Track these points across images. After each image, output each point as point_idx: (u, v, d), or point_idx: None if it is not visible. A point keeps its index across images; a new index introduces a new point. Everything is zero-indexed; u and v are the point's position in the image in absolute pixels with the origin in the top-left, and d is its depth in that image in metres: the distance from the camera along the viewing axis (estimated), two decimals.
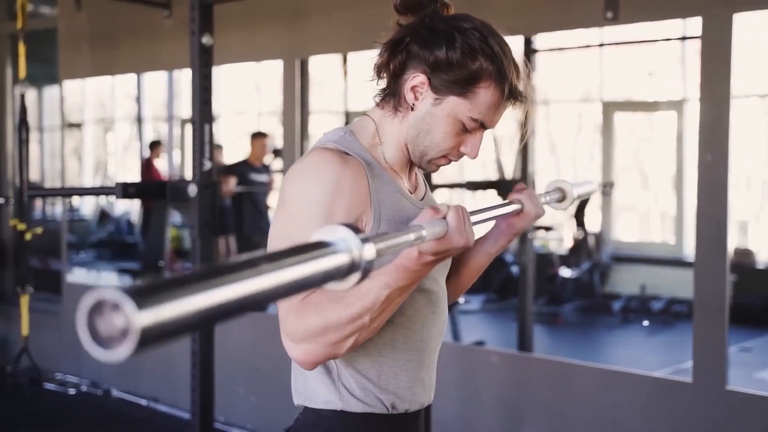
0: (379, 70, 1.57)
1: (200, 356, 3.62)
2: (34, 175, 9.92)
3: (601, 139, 8.73)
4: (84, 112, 11.51)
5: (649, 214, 9.27)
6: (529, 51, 4.85)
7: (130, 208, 10.52)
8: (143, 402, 5.44)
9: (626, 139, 9.04)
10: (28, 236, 4.27)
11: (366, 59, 1.61)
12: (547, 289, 7.89)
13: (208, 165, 3.61)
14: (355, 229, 0.97)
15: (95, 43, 5.68)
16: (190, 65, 3.59)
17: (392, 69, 1.55)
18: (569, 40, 6.53)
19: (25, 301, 4.28)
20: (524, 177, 4.92)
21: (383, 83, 1.59)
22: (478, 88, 1.50)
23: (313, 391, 1.58)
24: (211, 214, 3.55)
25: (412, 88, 1.53)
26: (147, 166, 8.29)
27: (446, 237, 1.34)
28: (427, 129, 1.54)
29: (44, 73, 8.80)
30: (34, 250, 7.46)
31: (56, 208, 10.06)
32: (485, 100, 1.51)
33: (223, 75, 10.27)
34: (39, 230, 4.42)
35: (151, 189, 3.78)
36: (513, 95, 1.53)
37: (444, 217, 1.34)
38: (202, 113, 3.62)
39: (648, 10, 3.67)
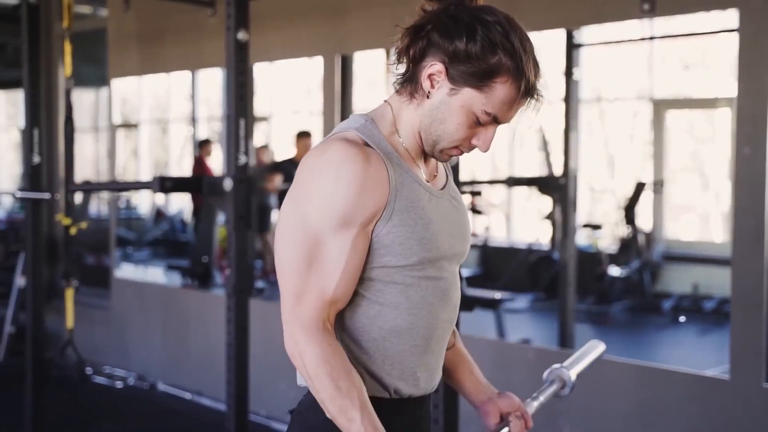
0: (399, 54, 1.57)
1: (235, 349, 3.66)
2: (90, 174, 10.10)
3: (652, 137, 8.60)
4: (141, 111, 11.71)
5: (704, 212, 9.11)
6: (571, 46, 4.82)
7: (184, 207, 10.67)
8: (187, 396, 5.52)
9: (680, 137, 8.89)
10: (73, 231, 4.37)
11: None
12: (596, 288, 7.80)
13: (243, 159, 3.65)
14: None
15: (143, 43, 5.79)
16: (225, 61, 3.63)
17: (412, 54, 1.55)
18: (617, 34, 6.46)
19: (70, 294, 4.38)
20: (566, 173, 4.88)
21: (402, 68, 1.59)
22: (495, 83, 1.51)
23: None
24: (246, 209, 3.59)
25: (429, 76, 1.53)
26: (198, 164, 8.40)
27: None
28: (441, 118, 1.55)
29: (101, 74, 8.98)
30: (89, 247, 7.63)
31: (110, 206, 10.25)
32: (501, 95, 1.51)
33: (278, 73, 10.37)
34: (84, 225, 4.54)
35: (187, 183, 3.84)
36: (529, 93, 1.53)
37: None
38: (238, 108, 3.66)
39: (684, 2, 3.62)
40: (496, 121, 1.55)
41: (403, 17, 1.57)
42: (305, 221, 1.49)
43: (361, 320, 1.55)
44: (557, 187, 4.90)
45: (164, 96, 11.97)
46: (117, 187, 5.53)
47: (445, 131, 1.55)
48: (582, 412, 3.96)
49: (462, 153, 1.60)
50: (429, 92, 1.55)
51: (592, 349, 1.96)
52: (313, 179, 1.49)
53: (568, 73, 4.80)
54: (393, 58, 1.60)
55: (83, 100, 8.81)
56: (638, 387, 3.78)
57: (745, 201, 3.41)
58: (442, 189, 1.66)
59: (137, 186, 4.79)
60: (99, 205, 10.16)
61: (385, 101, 1.63)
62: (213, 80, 11.16)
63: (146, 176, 11.90)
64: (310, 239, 1.48)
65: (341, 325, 1.56)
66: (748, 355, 3.41)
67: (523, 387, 4.01)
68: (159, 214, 11.32)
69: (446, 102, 1.54)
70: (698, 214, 9.14)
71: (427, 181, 1.62)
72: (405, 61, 1.57)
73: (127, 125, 12.01)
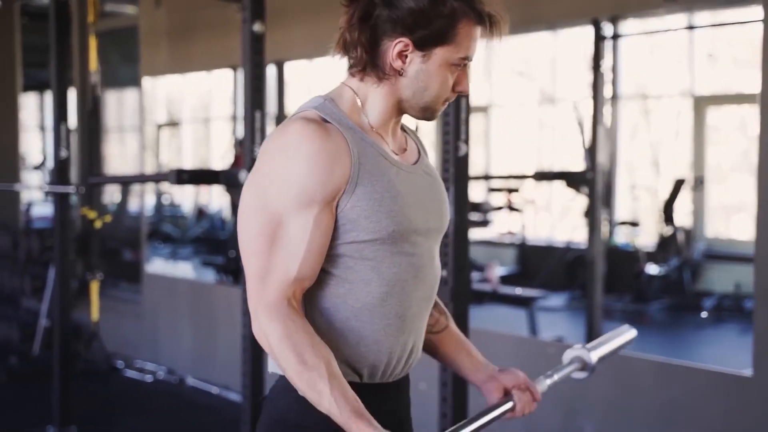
0: (348, 48, 1.56)
1: (250, 340, 3.67)
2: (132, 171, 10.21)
3: (692, 134, 8.45)
4: (183, 110, 11.82)
5: (747, 210, 8.90)
6: (599, 38, 4.74)
7: (224, 205, 10.75)
8: (215, 390, 5.54)
9: (727, 134, 8.71)
10: (98, 224, 4.42)
11: None
12: (633, 286, 7.68)
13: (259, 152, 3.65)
14: None
15: (174, 40, 5.82)
16: (241, 54, 3.64)
17: (366, 43, 1.54)
18: (654, 27, 6.35)
19: (95, 287, 4.42)
20: (594, 168, 4.81)
21: (355, 59, 1.57)
22: (458, 30, 1.52)
23: None
24: None
25: (399, 55, 1.53)
26: (237, 161, 8.44)
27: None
28: (422, 86, 1.55)
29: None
30: (127, 242, 7.71)
31: (150, 201, 10.36)
32: (467, 36, 1.53)
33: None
34: (108, 218, 4.57)
35: (204, 175, 3.86)
36: (489, 18, 1.55)
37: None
38: (254, 101, 3.66)
39: None
40: (468, 59, 1.56)
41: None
42: (266, 202, 1.47)
43: (332, 299, 1.53)
44: (585, 182, 4.83)
45: (207, 94, 12.06)
46: (136, 179, 5.57)
47: (431, 95, 1.56)
48: (604, 408, 3.89)
49: (448, 103, 1.61)
50: (402, 70, 1.53)
51: (620, 334, 1.89)
52: (272, 160, 1.47)
53: (596, 67, 4.72)
54: (338, 52, 1.58)
55: (126, 99, 8.89)
56: (661, 384, 3.70)
57: None
58: (414, 164, 1.63)
59: (155, 178, 4.81)
60: (139, 202, 10.30)
61: (342, 83, 1.61)
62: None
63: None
64: (272, 220, 1.46)
65: (311, 306, 1.53)
66: None
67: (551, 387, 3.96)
68: (200, 213, 11.43)
69: (423, 70, 1.54)
70: (745, 212, 8.95)
71: (396, 154, 1.60)
72: (357, 52, 1.55)
73: (172, 124, 12.13)
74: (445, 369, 2.88)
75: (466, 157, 2.93)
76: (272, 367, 1.60)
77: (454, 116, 2.90)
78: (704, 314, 7.35)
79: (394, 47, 1.52)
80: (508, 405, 1.68)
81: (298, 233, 1.46)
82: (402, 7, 1.51)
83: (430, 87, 1.54)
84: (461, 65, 1.55)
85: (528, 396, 1.71)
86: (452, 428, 1.53)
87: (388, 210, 1.51)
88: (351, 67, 1.59)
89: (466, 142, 2.93)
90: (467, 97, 2.91)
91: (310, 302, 1.53)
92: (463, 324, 2.96)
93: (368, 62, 1.55)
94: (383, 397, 1.60)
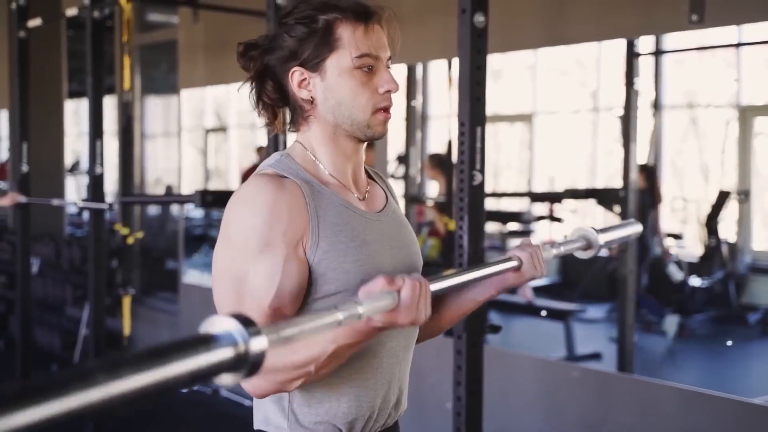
0: (262, 106, 1.61)
1: None
2: (173, 180, 10.36)
3: (737, 145, 8.30)
4: (229, 116, 11.93)
5: None
6: (632, 55, 4.68)
7: None
8: (248, 402, 5.59)
9: None
10: (130, 240, 4.49)
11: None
12: (675, 299, 7.57)
13: None
14: (245, 320, 0.94)
15: (210, 53, 5.89)
16: None
17: (272, 95, 1.58)
18: (695, 41, 6.25)
19: (127, 302, 4.50)
20: (626, 186, 4.75)
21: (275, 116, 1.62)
22: (337, 35, 1.53)
23: (266, 415, 1.59)
24: None
25: (299, 85, 1.55)
26: (251, 173, 8.52)
27: (395, 311, 1.31)
28: (335, 103, 1.55)
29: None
30: (168, 251, 7.82)
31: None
32: (350, 36, 1.53)
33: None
34: (140, 235, 4.63)
35: (228, 197, 3.89)
36: (366, 13, 1.55)
37: (398, 290, 1.32)
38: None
39: (734, 12, 3.48)
40: (374, 58, 1.54)
41: None
42: (232, 259, 1.49)
43: None
44: (617, 200, 4.77)
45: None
46: (162, 200, 5.65)
47: (348, 107, 1.55)
48: None
49: (387, 111, 1.57)
50: (312, 97, 1.55)
51: (628, 225, 1.89)
52: (233, 218, 1.50)
53: (629, 83, 4.66)
54: (260, 115, 1.62)
55: (174, 106, 9.02)
56: (686, 412, 3.64)
57: None
58: (380, 211, 1.64)
59: (181, 200, 4.88)
60: (180, 209, 10.45)
61: (294, 141, 1.63)
62: None
63: (234, 179, 12.14)
64: (237, 275, 1.47)
65: None
66: None
67: (566, 406, 3.94)
68: None
69: (326, 87, 1.55)
70: None
71: (361, 203, 1.60)
72: (270, 107, 1.60)
73: (221, 129, 12.26)
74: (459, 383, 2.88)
75: (481, 186, 2.92)
76: (256, 423, 1.62)
77: (470, 145, 2.89)
78: (729, 343, 7.19)
79: (292, 80, 1.55)
80: (513, 263, 1.61)
81: (264, 276, 1.45)
82: (283, 45, 1.55)
83: (341, 100, 1.54)
84: (367, 67, 1.54)
85: (533, 258, 1.62)
86: (452, 270, 1.50)
87: (354, 260, 1.51)
88: (290, 125, 1.63)
89: (482, 171, 2.91)
90: (482, 125, 2.90)
91: None
92: (477, 353, 2.95)
93: (291, 109, 1.60)
94: None
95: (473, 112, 2.88)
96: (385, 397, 1.60)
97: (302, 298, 1.50)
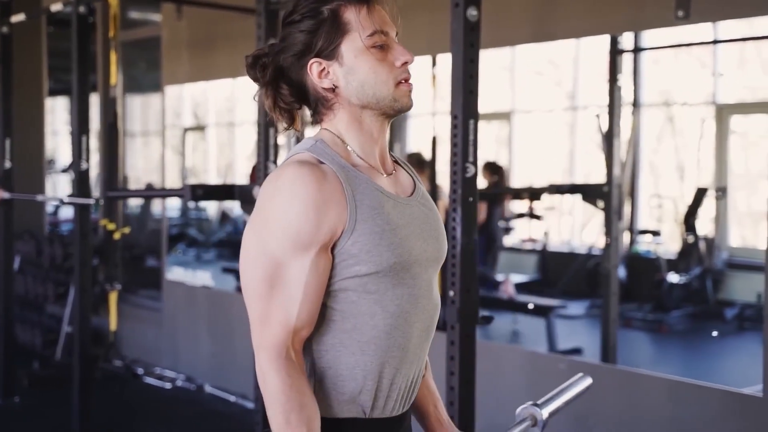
0: (280, 111, 1.63)
1: None
2: (157, 177, 10.33)
3: (714, 143, 8.39)
4: (208, 115, 11.89)
5: None
6: (615, 52, 4.74)
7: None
8: (232, 398, 5.60)
9: (752, 142, 8.64)
10: (117, 235, 4.48)
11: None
12: (654, 295, 7.64)
13: (272, 168, 3.70)
14: None
15: (194, 50, 5.89)
16: None
17: (288, 99, 1.62)
18: (672, 39, 6.33)
19: (113, 297, 4.49)
20: (610, 181, 4.80)
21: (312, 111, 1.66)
22: (345, 19, 1.57)
23: None
24: None
25: (320, 75, 1.59)
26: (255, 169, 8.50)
27: None
28: (359, 83, 1.59)
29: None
30: (150, 248, 7.79)
31: (176, 204, 10.43)
32: (357, 18, 1.58)
33: None
34: (127, 230, 4.63)
35: (219, 191, 3.91)
36: None
37: None
38: (267, 117, 3.72)
39: (720, 8, 3.53)
40: (384, 35, 1.59)
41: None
42: (265, 247, 1.51)
43: (338, 335, 1.56)
44: (601, 195, 4.82)
45: (231, 99, 12.14)
46: (151, 194, 5.64)
47: (371, 84, 1.59)
48: (613, 426, 3.89)
49: (408, 82, 1.62)
50: (334, 85, 1.59)
51: (574, 385, 1.92)
52: (270, 204, 1.52)
53: (613, 80, 4.72)
54: (276, 119, 1.65)
55: (152, 104, 8.99)
56: (671, 402, 3.70)
57: None
58: (409, 196, 1.67)
59: (171, 194, 4.89)
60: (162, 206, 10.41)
61: (320, 131, 1.65)
62: None
63: (213, 177, 12.10)
64: (271, 264, 1.51)
65: (318, 343, 1.57)
66: None
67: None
68: (224, 216, 11.49)
69: (346, 71, 1.59)
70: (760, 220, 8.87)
71: (391, 188, 1.63)
72: (287, 110, 1.63)
73: (198, 128, 12.22)
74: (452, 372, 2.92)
75: (474, 178, 2.96)
76: None
77: (463, 138, 2.92)
78: (715, 333, 7.29)
79: (312, 73, 1.59)
80: None
81: (295, 277, 1.50)
82: (295, 42, 1.58)
83: (363, 80, 1.58)
84: (379, 45, 1.59)
85: None
86: None
87: (388, 243, 1.54)
88: (312, 119, 1.66)
89: (474, 163, 2.95)
90: (475, 118, 2.94)
91: (317, 340, 1.57)
92: (470, 344, 2.99)
93: (313, 104, 1.63)
94: (390, 431, 1.63)
95: (466, 105, 2.92)
96: (407, 377, 1.63)
97: (323, 295, 1.54)
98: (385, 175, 1.64)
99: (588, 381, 1.96)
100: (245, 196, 3.70)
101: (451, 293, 2.93)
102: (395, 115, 1.63)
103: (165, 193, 5.02)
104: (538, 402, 1.83)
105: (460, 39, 2.88)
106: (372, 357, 1.56)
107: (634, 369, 4.06)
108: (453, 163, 2.95)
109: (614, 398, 3.91)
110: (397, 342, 1.58)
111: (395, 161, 1.72)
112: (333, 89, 1.59)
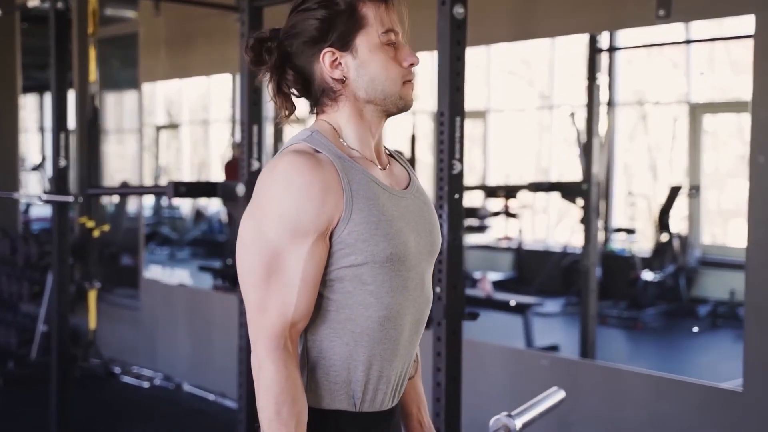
0: (281, 96, 1.63)
1: (246, 352, 3.71)
2: (131, 174, 10.27)
3: (688, 141, 8.48)
4: (182, 113, 11.84)
5: (743, 216, 8.94)
6: (594, 51, 4.78)
7: (222, 208, 10.77)
8: (211, 397, 5.58)
9: (723, 141, 8.74)
10: (96, 233, 4.45)
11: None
12: (628, 293, 7.71)
13: (256, 165, 3.69)
14: None
15: (172, 47, 5.86)
16: (240, 67, 3.69)
17: (292, 84, 1.62)
18: (649, 38, 6.39)
19: (92, 295, 4.46)
20: (589, 179, 4.85)
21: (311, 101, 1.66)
22: (362, 12, 1.59)
23: None
24: None
25: (332, 65, 1.59)
26: (231, 166, 8.45)
27: None
28: (369, 78, 1.60)
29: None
30: (125, 247, 7.74)
31: (148, 203, 10.36)
32: (374, 13, 1.60)
33: None
34: (106, 228, 4.60)
35: (202, 188, 3.90)
36: None
37: None
38: (251, 114, 3.71)
39: (700, 8, 3.57)
40: (396, 34, 1.62)
41: None
42: (262, 236, 1.51)
43: (333, 326, 1.57)
44: (580, 193, 4.87)
45: (205, 98, 12.09)
46: (134, 191, 5.61)
47: (381, 81, 1.61)
48: (594, 421, 3.93)
49: (411, 82, 1.64)
50: (344, 77, 1.60)
51: (548, 398, 1.95)
52: (267, 193, 1.52)
53: (592, 78, 4.76)
54: (276, 103, 1.65)
55: (125, 101, 8.93)
56: (651, 398, 3.74)
57: (760, 210, 3.37)
58: (404, 189, 1.68)
59: (153, 191, 4.86)
60: (137, 205, 10.33)
61: (316, 122, 1.66)
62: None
63: (187, 175, 12.04)
64: (268, 252, 1.51)
65: (313, 334, 1.57)
66: (762, 367, 3.36)
67: (536, 394, 4.00)
68: (198, 215, 11.45)
69: (359, 65, 1.60)
70: (741, 217, 8.96)
71: (386, 181, 1.64)
72: (289, 96, 1.63)
73: (172, 126, 12.16)
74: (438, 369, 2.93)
75: (460, 175, 2.97)
76: None
77: (449, 134, 2.94)
78: (695, 329, 7.37)
79: (324, 62, 1.59)
80: None
81: (293, 266, 1.51)
82: (306, 28, 1.59)
83: (374, 75, 1.60)
84: (390, 42, 1.60)
85: None
86: None
87: (384, 233, 1.55)
88: (311, 108, 1.66)
89: (461, 160, 2.97)
90: (462, 115, 2.95)
91: (311, 329, 1.57)
92: (456, 340, 3.00)
93: (317, 93, 1.62)
94: (378, 426, 1.63)
95: (453, 103, 2.93)
96: (397, 370, 1.63)
97: (319, 283, 1.54)
98: (380, 168, 1.65)
99: (561, 394, 1.98)
100: (228, 193, 3.69)
101: (438, 289, 2.94)
102: (396, 113, 1.65)
103: (147, 191, 4.98)
104: (512, 413, 1.85)
105: (447, 37, 2.89)
106: (365, 348, 1.57)
107: (614, 365, 4.10)
108: (439, 160, 2.96)
109: (595, 394, 3.95)
110: (389, 334, 1.59)
111: (390, 155, 1.74)
112: (342, 80, 1.60)
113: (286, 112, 1.65)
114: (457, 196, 2.96)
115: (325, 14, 1.57)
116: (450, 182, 2.94)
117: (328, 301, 1.56)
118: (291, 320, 1.51)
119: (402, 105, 1.63)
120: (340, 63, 1.59)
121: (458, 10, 2.90)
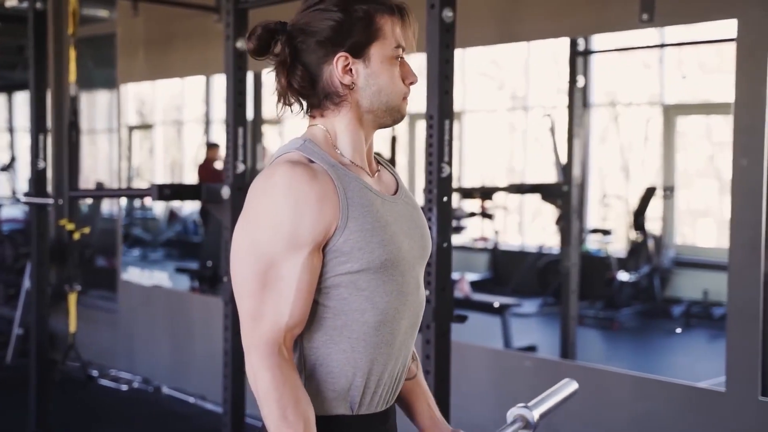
0: (285, 95, 1.63)
1: (231, 356, 3.70)
2: (105, 175, 10.19)
3: (662, 142, 8.56)
4: (155, 113, 11.76)
5: (720, 218, 9.03)
6: (575, 53, 4.81)
7: (196, 209, 10.71)
8: (191, 399, 5.55)
9: (695, 142, 8.83)
10: (76, 235, 4.41)
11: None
12: (604, 293, 7.77)
13: (241, 167, 3.68)
14: None
15: (150, 48, 5.82)
16: (224, 69, 3.68)
17: (309, 81, 1.61)
18: (625, 41, 6.44)
19: (72, 298, 4.42)
20: (568, 180, 4.88)
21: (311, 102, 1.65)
22: (379, 25, 1.60)
23: None
24: None
25: (344, 70, 1.60)
26: (205, 167, 8.42)
27: None
28: (376, 89, 1.62)
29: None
30: (101, 249, 7.67)
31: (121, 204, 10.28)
32: (389, 28, 1.61)
33: None
34: (87, 230, 4.57)
35: (186, 191, 3.88)
36: (399, 8, 1.63)
37: None
38: (236, 116, 3.70)
39: (683, 12, 3.61)
40: (403, 50, 1.64)
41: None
42: (257, 246, 1.51)
43: (329, 332, 1.57)
44: (560, 195, 4.90)
45: (179, 98, 12.02)
46: (117, 193, 5.57)
47: (387, 93, 1.63)
48: (578, 422, 3.95)
49: (406, 99, 1.67)
50: (352, 83, 1.61)
51: (563, 389, 1.95)
52: (261, 203, 1.52)
53: (572, 81, 4.79)
54: (278, 100, 1.64)
55: (99, 101, 8.85)
56: (634, 398, 3.77)
57: (742, 213, 3.40)
58: (394, 194, 1.69)
59: (137, 193, 4.83)
60: (112, 206, 10.24)
61: (310, 126, 1.66)
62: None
63: (160, 177, 11.96)
64: (263, 262, 1.51)
65: (310, 341, 1.57)
66: (744, 367, 3.40)
67: (519, 395, 4.02)
68: (172, 216, 11.37)
69: (369, 74, 1.61)
70: (713, 219, 9.06)
71: (376, 184, 1.66)
72: (309, 92, 1.62)
73: (144, 126, 12.07)
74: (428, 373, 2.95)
75: (449, 178, 2.99)
76: None
77: (438, 138, 2.95)
78: (678, 330, 7.44)
79: (336, 66, 1.59)
80: None
81: (288, 276, 1.51)
82: (322, 27, 1.58)
83: (382, 87, 1.62)
84: (398, 57, 1.62)
85: None
86: None
87: (379, 240, 1.56)
88: (309, 110, 1.65)
89: (449, 163, 2.98)
90: (450, 118, 2.97)
91: (307, 337, 1.57)
92: (445, 343, 3.01)
93: (320, 95, 1.62)
94: (375, 428, 1.64)
95: (442, 106, 2.94)
96: (392, 372, 1.64)
97: (314, 293, 1.54)
98: (370, 175, 1.66)
99: (575, 385, 1.98)
100: (213, 196, 3.67)
101: (427, 292, 2.94)
102: (390, 125, 1.68)
103: (130, 193, 4.94)
104: (528, 404, 1.85)
105: (436, 40, 2.91)
106: (362, 353, 1.57)
107: (595, 365, 4.13)
108: (429, 163, 2.97)
109: (578, 395, 3.96)
110: (385, 338, 1.59)
111: (377, 161, 1.75)
112: (350, 86, 1.60)
113: (291, 109, 1.64)
114: (445, 199, 2.98)
115: (342, 18, 1.57)
116: (439, 185, 2.96)
117: (324, 308, 1.56)
118: (285, 328, 1.51)
119: (398, 118, 1.66)
120: (351, 69, 1.59)
121: (447, 13, 2.92)
